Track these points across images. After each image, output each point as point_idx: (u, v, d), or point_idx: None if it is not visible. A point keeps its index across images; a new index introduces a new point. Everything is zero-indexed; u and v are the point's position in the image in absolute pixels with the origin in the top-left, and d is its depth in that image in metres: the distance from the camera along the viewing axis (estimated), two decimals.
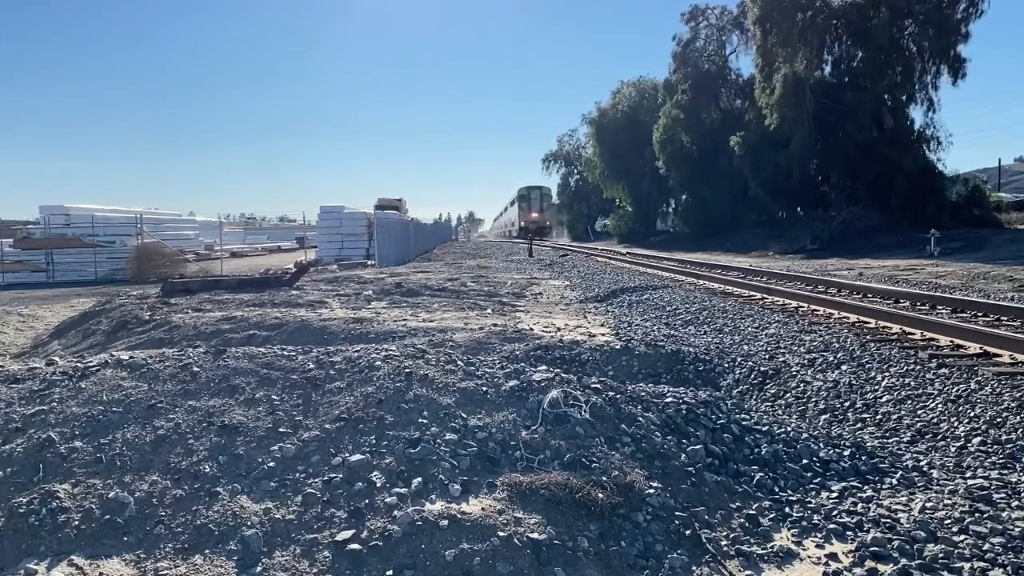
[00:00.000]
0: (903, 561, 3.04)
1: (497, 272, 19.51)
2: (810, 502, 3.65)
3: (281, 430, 3.84)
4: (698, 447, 3.97)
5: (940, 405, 5.25)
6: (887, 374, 6.07)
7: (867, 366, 6.38)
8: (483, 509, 3.15)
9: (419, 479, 3.37)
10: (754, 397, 6.12)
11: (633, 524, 3.22)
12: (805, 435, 4.51)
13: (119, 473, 3.45)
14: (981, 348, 6.71)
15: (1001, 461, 4.26)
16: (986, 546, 3.17)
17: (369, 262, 26.99)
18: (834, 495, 3.74)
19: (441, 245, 45.42)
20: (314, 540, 3.00)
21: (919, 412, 5.21)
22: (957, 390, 5.46)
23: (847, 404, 5.58)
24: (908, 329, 7.84)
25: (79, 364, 4.77)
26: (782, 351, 7.27)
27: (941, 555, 3.08)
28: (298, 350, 5.10)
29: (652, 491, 3.43)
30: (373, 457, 3.56)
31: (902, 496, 3.73)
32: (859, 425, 5.18)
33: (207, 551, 2.96)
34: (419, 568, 2.82)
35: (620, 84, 54.14)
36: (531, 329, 8.54)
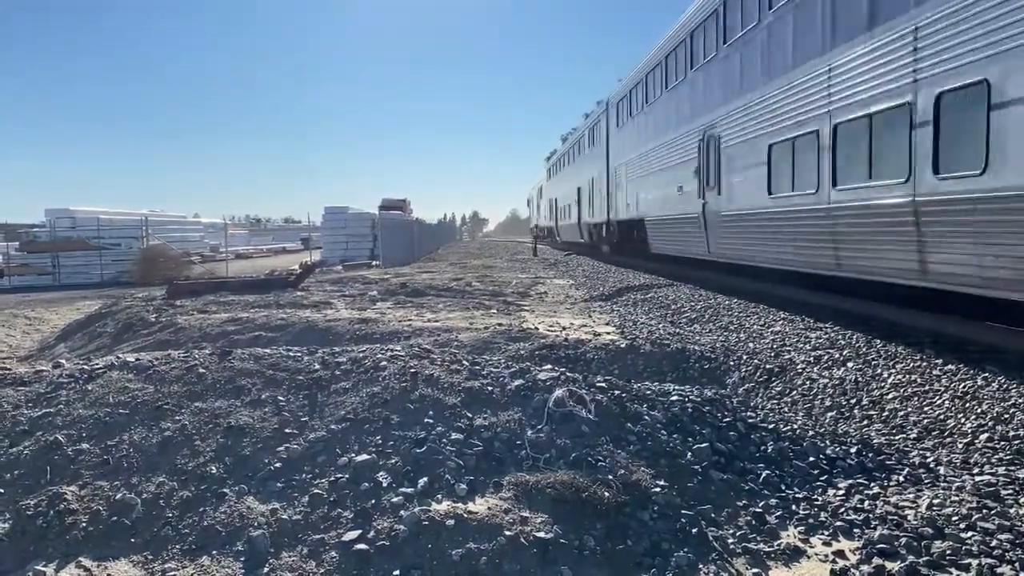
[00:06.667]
0: (911, 558, 3.03)
1: (502, 272, 19.52)
2: (817, 499, 3.64)
3: (287, 431, 3.85)
4: (704, 445, 3.96)
5: (947, 401, 5.23)
6: (893, 371, 6.04)
7: (873, 363, 6.35)
8: (489, 508, 3.16)
9: (425, 479, 3.38)
10: (760, 395, 6.11)
11: (639, 522, 3.21)
12: (811, 432, 4.50)
13: (126, 475, 3.47)
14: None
15: (1008, 457, 4.24)
16: (994, 542, 3.15)
17: (374, 262, 27.04)
18: (841, 492, 3.72)
19: (446, 245, 45.45)
20: (321, 540, 3.01)
21: (925, 409, 5.19)
22: (964, 386, 5.43)
23: (853, 401, 5.56)
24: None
25: (85, 366, 4.79)
26: (788, 348, 7.25)
27: (949, 552, 3.06)
28: (304, 351, 5.11)
29: (658, 489, 3.43)
30: (379, 457, 3.56)
31: (909, 493, 3.71)
32: (865, 422, 5.17)
33: (214, 552, 2.98)
34: (425, 568, 2.83)
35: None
36: (536, 328, 8.54)
